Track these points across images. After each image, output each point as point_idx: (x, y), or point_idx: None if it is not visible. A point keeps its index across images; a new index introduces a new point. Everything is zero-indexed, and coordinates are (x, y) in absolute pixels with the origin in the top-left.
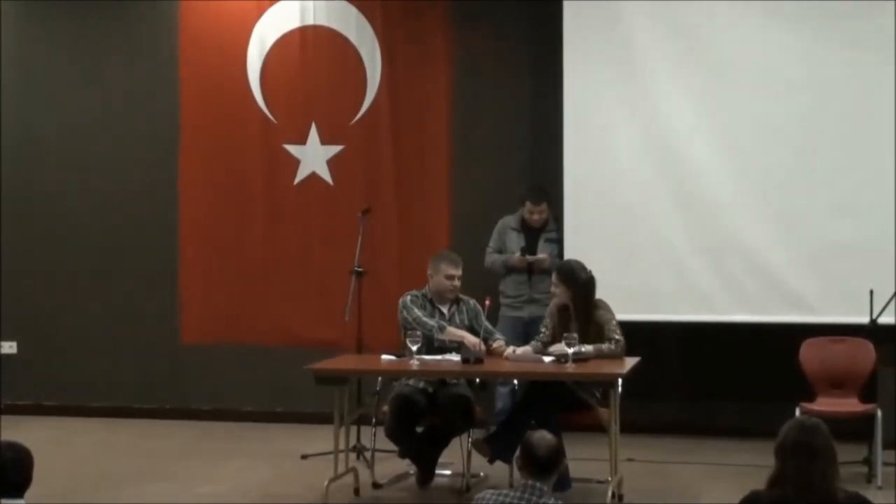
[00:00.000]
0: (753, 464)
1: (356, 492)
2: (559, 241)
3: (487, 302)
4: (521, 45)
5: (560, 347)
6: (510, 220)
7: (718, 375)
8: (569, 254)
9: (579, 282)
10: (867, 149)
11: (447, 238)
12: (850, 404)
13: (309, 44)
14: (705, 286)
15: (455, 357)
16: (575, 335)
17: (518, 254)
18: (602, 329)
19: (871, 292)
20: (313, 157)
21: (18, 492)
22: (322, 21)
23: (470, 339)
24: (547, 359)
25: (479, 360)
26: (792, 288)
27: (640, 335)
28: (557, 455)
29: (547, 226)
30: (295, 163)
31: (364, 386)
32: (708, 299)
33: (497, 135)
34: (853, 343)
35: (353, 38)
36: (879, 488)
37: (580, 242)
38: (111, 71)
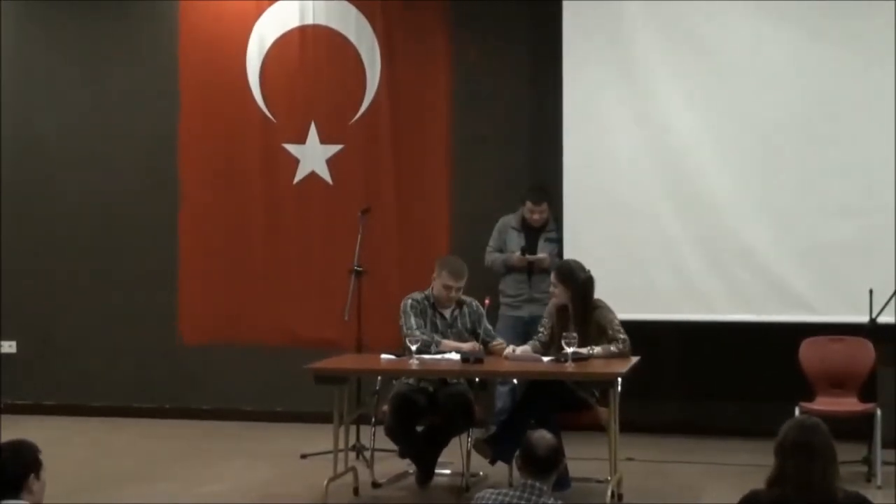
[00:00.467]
0: (753, 463)
1: (356, 491)
2: (559, 241)
3: (487, 301)
4: (521, 45)
5: (576, 351)
6: (510, 220)
7: (718, 375)
8: (569, 254)
9: (578, 282)
10: (867, 149)
11: (447, 238)
12: (849, 404)
13: (308, 43)
14: (705, 286)
15: (455, 356)
16: (574, 335)
17: (518, 253)
18: (602, 329)
19: (871, 292)
20: (313, 156)
21: (17, 491)
22: (321, 20)
23: (464, 350)
24: (546, 358)
25: (478, 360)
26: (791, 287)
27: (640, 335)
28: (557, 454)
29: (547, 225)
30: (294, 162)
31: (364, 385)
32: (708, 299)
33: (497, 135)
34: (853, 342)
35: (352, 38)
36: (879, 487)
37: (580, 242)
38: (111, 71)
